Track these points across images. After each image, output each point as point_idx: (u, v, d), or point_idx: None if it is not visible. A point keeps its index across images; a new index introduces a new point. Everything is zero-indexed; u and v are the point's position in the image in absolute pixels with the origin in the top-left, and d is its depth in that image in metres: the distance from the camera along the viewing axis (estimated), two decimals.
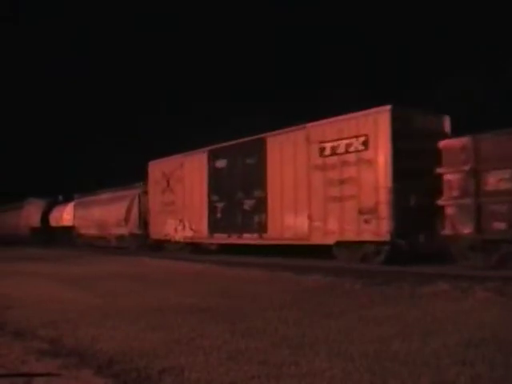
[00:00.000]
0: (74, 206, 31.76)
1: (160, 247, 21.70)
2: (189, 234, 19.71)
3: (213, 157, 18.62)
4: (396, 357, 4.29)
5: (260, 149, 16.43)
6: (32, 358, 4.58)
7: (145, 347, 4.80)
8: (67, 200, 33.90)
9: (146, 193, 23.14)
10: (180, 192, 20.27)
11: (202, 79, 52.60)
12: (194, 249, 20.01)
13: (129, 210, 24.63)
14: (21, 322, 6.23)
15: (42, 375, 4.06)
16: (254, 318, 6.14)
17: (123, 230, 25.16)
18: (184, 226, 19.89)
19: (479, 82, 24.82)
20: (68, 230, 32.20)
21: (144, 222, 23.26)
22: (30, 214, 37.07)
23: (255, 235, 16.47)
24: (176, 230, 20.34)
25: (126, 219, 24.70)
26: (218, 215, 18.19)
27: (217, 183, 18.35)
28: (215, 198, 18.37)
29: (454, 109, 14.82)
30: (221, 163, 18.25)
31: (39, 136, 56.28)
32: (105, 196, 28.04)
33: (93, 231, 28.80)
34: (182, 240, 20.16)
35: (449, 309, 6.59)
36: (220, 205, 18.12)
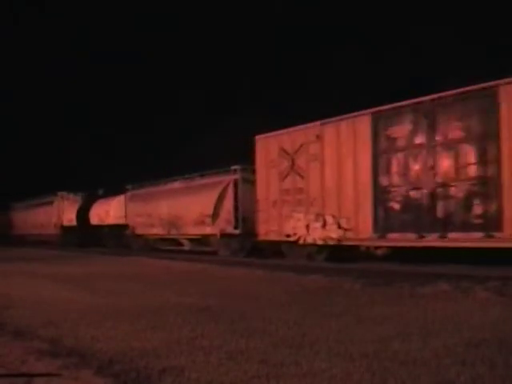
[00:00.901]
0: (128, 199, 25.65)
1: (277, 251, 16.33)
2: (334, 233, 14.21)
3: (382, 122, 13.29)
4: (396, 357, 4.28)
5: (484, 104, 11.35)
6: (32, 358, 4.58)
7: (145, 347, 4.80)
8: (113, 193, 27.80)
9: (247, 179, 17.97)
10: (316, 175, 14.74)
11: (201, 79, 52.62)
12: (334, 253, 14.74)
13: (219, 203, 19.01)
14: (21, 322, 6.23)
15: (42, 375, 4.06)
16: (254, 318, 6.14)
17: (208, 230, 19.53)
18: (325, 223, 14.47)
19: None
20: (117, 230, 26.18)
21: (243, 219, 17.96)
22: (63, 210, 32.11)
23: (477, 234, 11.26)
24: (309, 227, 14.90)
25: (215, 215, 19.11)
26: (395, 206, 12.97)
27: (391, 159, 13.08)
28: (389, 180, 13.11)
29: None
30: (399, 130, 12.90)
31: (38, 136, 56.26)
32: (177, 185, 21.94)
33: (158, 231, 22.77)
34: (320, 242, 14.67)
35: (449, 309, 6.59)
36: (399, 191, 12.87)
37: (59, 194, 32.84)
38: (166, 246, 22.63)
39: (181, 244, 21.99)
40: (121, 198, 26.40)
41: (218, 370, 4.03)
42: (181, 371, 4.02)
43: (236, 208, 18.36)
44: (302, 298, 7.96)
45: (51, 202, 33.42)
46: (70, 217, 31.31)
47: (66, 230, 31.66)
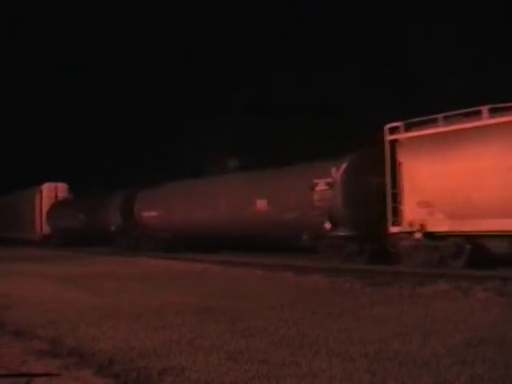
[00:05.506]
0: None
1: None
2: None
3: None
4: (396, 357, 4.28)
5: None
6: (32, 358, 4.58)
7: (145, 347, 4.80)
8: None
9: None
10: None
11: (201, 79, 52.60)
12: None
13: None
14: (21, 322, 6.23)
15: (42, 375, 4.06)
16: (254, 318, 6.14)
17: None
18: None
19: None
20: None
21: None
22: None
23: None
24: None
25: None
26: None
27: None
28: None
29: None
30: None
31: (38, 136, 56.17)
32: None
33: None
34: None
35: (449, 309, 6.59)
36: None
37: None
38: None
39: None
40: None
41: (218, 370, 4.03)
42: (181, 371, 4.02)
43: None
44: (302, 298, 7.96)
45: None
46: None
47: None
